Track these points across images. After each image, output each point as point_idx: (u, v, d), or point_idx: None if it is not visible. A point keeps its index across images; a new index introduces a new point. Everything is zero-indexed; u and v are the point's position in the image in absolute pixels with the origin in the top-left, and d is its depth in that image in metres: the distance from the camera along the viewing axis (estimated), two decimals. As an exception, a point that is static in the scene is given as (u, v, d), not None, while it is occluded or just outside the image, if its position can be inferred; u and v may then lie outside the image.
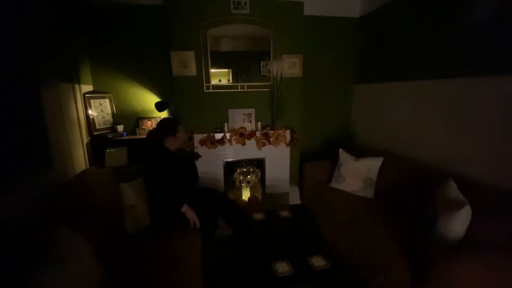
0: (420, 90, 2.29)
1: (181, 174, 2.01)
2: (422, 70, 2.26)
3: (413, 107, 2.39)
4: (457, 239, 1.40)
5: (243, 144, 2.71)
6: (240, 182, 2.74)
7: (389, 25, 2.64)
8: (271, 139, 2.75)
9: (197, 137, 2.62)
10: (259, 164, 2.94)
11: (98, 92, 2.60)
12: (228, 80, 2.79)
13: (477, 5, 1.77)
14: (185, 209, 1.82)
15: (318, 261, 1.54)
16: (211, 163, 2.72)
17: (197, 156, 2.63)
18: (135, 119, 2.80)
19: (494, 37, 1.68)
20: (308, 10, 2.79)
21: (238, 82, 2.78)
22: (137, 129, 2.74)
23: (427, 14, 2.18)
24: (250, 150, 2.76)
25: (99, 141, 2.46)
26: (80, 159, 2.22)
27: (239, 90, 2.76)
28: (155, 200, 1.86)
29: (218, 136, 2.66)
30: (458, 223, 1.39)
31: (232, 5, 2.54)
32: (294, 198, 3.05)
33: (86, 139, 2.38)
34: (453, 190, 1.55)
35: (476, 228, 1.40)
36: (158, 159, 1.89)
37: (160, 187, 1.81)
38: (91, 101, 2.46)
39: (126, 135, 2.67)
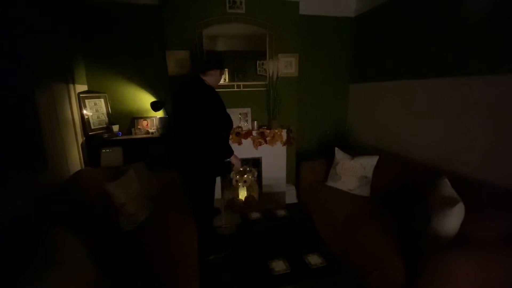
0: (415, 89, 2.31)
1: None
2: (417, 70, 2.28)
3: (407, 106, 2.41)
4: (450, 236, 1.42)
5: (240, 143, 2.72)
6: (237, 181, 2.74)
7: (384, 24, 2.66)
8: (267, 139, 2.75)
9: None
10: (256, 163, 2.95)
11: (93, 92, 2.58)
12: (224, 79, 2.79)
13: (473, 4, 1.79)
14: (234, 158, 1.95)
15: (314, 259, 1.54)
16: (207, 162, 2.72)
17: None
18: (131, 119, 2.78)
19: (489, 36, 1.71)
20: (303, 10, 2.79)
21: (234, 81, 2.78)
22: (132, 129, 2.73)
23: (423, 13, 2.20)
24: (246, 150, 2.76)
25: (95, 141, 2.44)
26: (75, 159, 2.21)
27: (235, 89, 2.76)
28: (208, 143, 1.85)
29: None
30: (452, 220, 1.41)
31: (227, 5, 2.54)
32: (291, 197, 3.07)
33: (81, 139, 2.36)
34: (447, 188, 1.57)
35: (469, 225, 1.42)
36: (213, 94, 1.85)
37: (219, 125, 1.84)
38: (86, 101, 2.44)
39: (122, 135, 2.66)
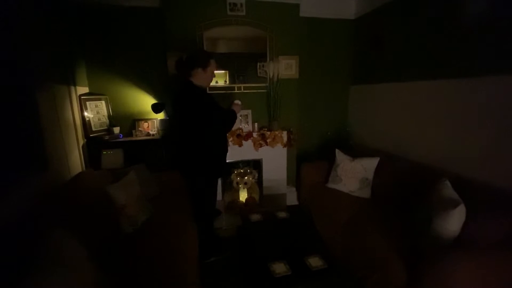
0: (415, 91, 2.31)
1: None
2: (417, 71, 2.28)
3: (408, 108, 2.41)
4: (451, 238, 1.42)
5: (240, 145, 2.72)
6: (237, 183, 2.74)
7: (384, 26, 2.66)
8: (268, 140, 2.75)
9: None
10: (256, 165, 2.95)
11: (94, 94, 2.59)
12: (225, 81, 2.80)
13: (473, 5, 1.79)
14: (235, 107, 2.00)
15: (315, 261, 1.54)
16: (208, 164, 2.72)
17: None
18: (131, 120, 2.79)
19: (490, 37, 1.71)
20: (304, 12, 2.80)
21: (235, 83, 2.79)
22: (133, 131, 2.73)
23: (422, 15, 2.20)
24: (247, 151, 2.76)
25: (95, 143, 2.45)
26: (76, 161, 2.21)
27: (236, 91, 2.76)
28: (208, 145, 1.85)
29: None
30: (453, 221, 1.41)
31: (228, 7, 2.55)
32: (292, 199, 3.06)
33: (82, 141, 2.37)
34: (448, 190, 1.57)
35: (470, 226, 1.42)
36: (203, 97, 1.77)
37: (214, 118, 1.82)
38: (87, 103, 2.45)
39: (123, 137, 2.66)
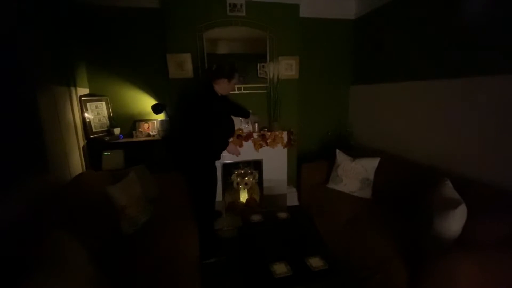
0: (416, 91, 2.31)
1: (227, 117, 2.12)
2: (417, 71, 2.28)
3: (409, 108, 2.41)
4: (453, 238, 1.41)
5: (241, 145, 2.71)
6: (238, 184, 2.74)
7: (384, 26, 2.66)
8: (268, 141, 2.75)
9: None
10: (257, 165, 2.94)
11: (94, 95, 2.60)
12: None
13: (473, 5, 1.79)
14: (230, 147, 2.08)
15: (316, 262, 1.53)
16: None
17: None
18: (132, 121, 2.79)
19: (490, 37, 1.70)
20: (304, 12, 2.81)
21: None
22: (134, 132, 2.73)
23: (422, 15, 2.20)
24: (247, 152, 2.76)
25: (96, 144, 2.45)
26: (77, 162, 2.21)
27: (236, 92, 2.76)
28: (202, 141, 1.92)
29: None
30: (454, 222, 1.40)
31: (228, 8, 2.56)
32: (292, 199, 3.06)
33: (82, 142, 2.37)
34: (449, 190, 1.57)
35: (471, 226, 1.41)
36: (212, 99, 1.94)
37: (211, 126, 1.90)
38: (88, 104, 2.45)
39: (123, 138, 2.66)
